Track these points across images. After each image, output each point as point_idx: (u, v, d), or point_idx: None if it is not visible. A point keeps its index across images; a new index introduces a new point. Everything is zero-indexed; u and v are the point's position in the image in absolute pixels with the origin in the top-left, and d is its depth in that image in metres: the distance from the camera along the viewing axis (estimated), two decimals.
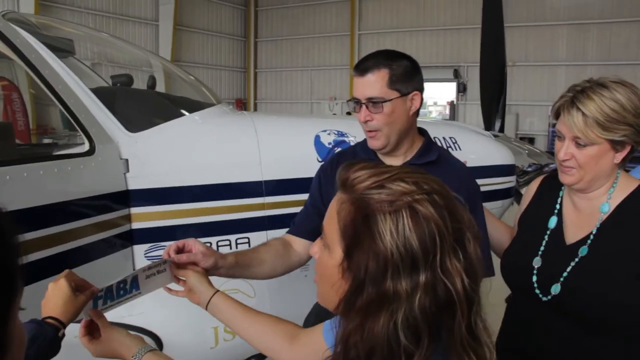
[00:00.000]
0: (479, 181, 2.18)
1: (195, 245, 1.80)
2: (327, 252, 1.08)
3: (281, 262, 2.01)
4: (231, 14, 23.51)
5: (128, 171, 2.36)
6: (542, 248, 1.87)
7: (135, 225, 2.41)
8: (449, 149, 3.07)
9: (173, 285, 1.74)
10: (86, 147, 2.24)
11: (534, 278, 1.83)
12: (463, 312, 0.99)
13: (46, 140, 4.36)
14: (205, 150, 2.62)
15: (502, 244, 2.09)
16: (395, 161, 2.07)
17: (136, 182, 2.38)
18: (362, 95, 2.00)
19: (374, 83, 1.97)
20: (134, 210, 2.41)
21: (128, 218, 2.39)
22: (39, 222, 1.97)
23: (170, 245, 1.81)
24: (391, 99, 1.96)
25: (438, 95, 20.29)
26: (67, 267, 1.62)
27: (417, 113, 2.06)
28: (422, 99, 2.04)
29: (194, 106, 2.89)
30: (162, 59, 4.34)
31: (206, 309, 1.65)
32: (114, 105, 2.56)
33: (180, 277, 1.72)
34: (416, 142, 2.10)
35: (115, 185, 2.29)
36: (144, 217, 2.43)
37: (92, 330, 1.49)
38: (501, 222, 2.26)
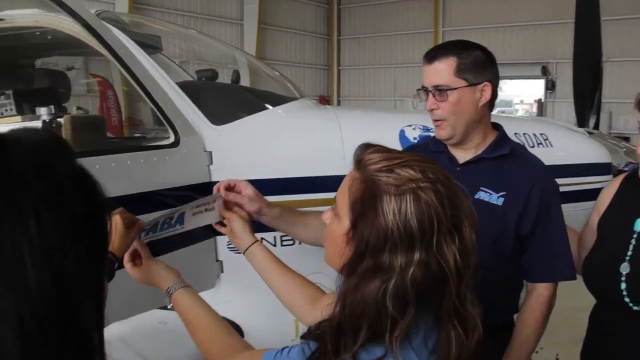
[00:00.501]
0: (572, 180, 2.06)
1: (246, 187, 1.87)
2: (337, 221, 1.20)
3: None
4: (314, 12, 23.58)
5: (212, 163, 2.37)
6: (629, 253, 1.72)
7: None
8: (540, 146, 2.93)
9: None
10: (171, 139, 2.27)
11: (623, 285, 1.69)
12: (453, 283, 1.10)
13: (137, 134, 4.50)
14: (288, 143, 2.61)
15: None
16: (465, 154, 2.00)
17: (219, 174, 2.37)
18: (429, 83, 1.96)
19: (441, 71, 1.92)
20: None
21: None
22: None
23: (221, 182, 1.90)
24: (457, 88, 1.90)
25: (525, 92, 19.61)
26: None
27: (489, 105, 1.98)
28: (494, 92, 1.96)
29: (278, 100, 2.89)
30: (247, 55, 4.38)
31: (244, 254, 1.77)
32: (199, 99, 2.59)
33: (226, 218, 1.84)
34: (489, 136, 2.02)
35: (199, 176, 2.30)
36: None
37: (135, 258, 1.66)
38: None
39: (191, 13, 19.12)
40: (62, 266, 0.69)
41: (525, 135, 2.90)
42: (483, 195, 1.94)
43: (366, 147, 1.21)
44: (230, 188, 1.87)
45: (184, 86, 2.60)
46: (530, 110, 19.74)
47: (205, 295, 1.69)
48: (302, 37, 23.06)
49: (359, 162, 1.18)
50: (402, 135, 2.70)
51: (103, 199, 0.80)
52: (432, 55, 1.95)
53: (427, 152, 2.04)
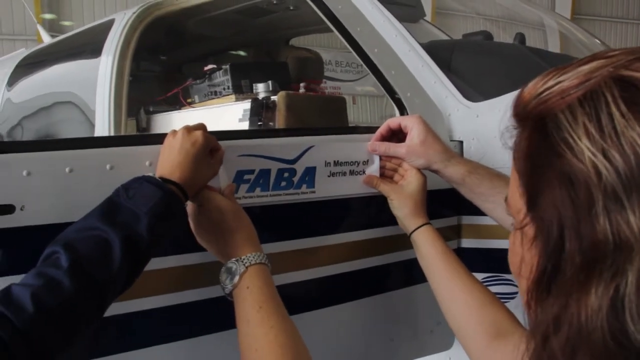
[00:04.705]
0: None
1: (415, 126, 1.33)
2: (514, 233, 0.65)
3: None
4: None
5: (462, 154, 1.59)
6: None
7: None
8: None
9: None
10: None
11: None
12: None
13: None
14: None
15: None
16: None
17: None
18: None
19: None
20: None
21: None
22: None
23: (384, 124, 1.37)
24: None
25: None
26: None
27: None
28: None
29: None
30: (558, 17, 3.41)
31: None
32: (451, 65, 1.77)
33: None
34: None
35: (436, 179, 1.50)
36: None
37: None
38: None
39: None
40: None
41: None
42: None
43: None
44: (392, 134, 1.36)
45: (432, 47, 1.80)
46: None
47: None
48: (623, 25, 20.20)
49: (516, 115, 0.62)
50: None
51: None
52: None
53: None
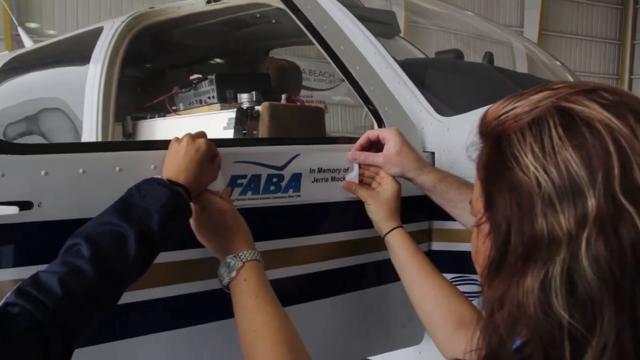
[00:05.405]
0: None
1: (392, 138, 1.45)
2: (475, 230, 0.80)
3: None
4: (605, 15, 21.13)
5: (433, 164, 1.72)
6: None
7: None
8: None
9: None
10: None
11: None
12: None
13: None
14: None
15: None
16: None
17: None
18: None
19: None
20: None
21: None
22: None
23: (364, 135, 1.51)
24: None
25: None
26: None
27: None
28: None
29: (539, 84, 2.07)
30: (525, 40, 3.59)
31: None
32: (425, 81, 1.91)
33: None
34: None
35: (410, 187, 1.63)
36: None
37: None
38: None
39: None
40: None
41: None
42: None
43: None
44: (370, 144, 1.49)
45: (408, 65, 1.94)
46: None
47: None
48: (588, 43, 20.75)
49: (481, 133, 0.77)
50: None
51: None
52: None
53: None
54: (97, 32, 2.67)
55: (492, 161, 0.74)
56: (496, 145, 0.73)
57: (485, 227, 0.75)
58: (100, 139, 2.39)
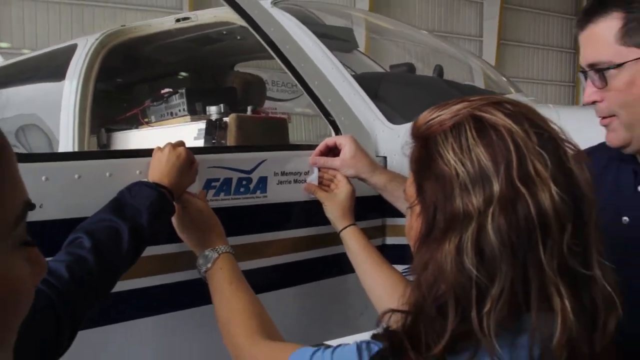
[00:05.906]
0: None
1: (347, 144, 1.65)
2: (408, 211, 1.00)
3: None
4: (560, 25, 21.82)
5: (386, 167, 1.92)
6: None
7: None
8: None
9: None
10: None
11: None
12: (552, 234, 0.83)
13: None
14: None
15: None
16: None
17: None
18: (583, 60, 1.22)
19: (598, 39, 1.18)
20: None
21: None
22: None
23: (323, 142, 1.70)
24: (626, 63, 1.15)
25: None
26: None
27: None
28: None
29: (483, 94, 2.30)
30: (482, 61, 3.84)
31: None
32: (378, 93, 2.12)
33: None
34: None
35: (365, 188, 1.83)
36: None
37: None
38: None
39: (429, 30, 18.85)
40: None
41: None
42: None
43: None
44: (329, 150, 1.66)
45: (363, 78, 2.15)
46: None
47: None
48: (545, 52, 21.42)
49: (413, 134, 0.98)
50: None
51: None
52: (585, 16, 1.21)
53: (610, 159, 1.33)
54: (71, 49, 2.81)
55: (422, 157, 0.94)
56: (425, 144, 0.93)
57: (417, 209, 0.95)
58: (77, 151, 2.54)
